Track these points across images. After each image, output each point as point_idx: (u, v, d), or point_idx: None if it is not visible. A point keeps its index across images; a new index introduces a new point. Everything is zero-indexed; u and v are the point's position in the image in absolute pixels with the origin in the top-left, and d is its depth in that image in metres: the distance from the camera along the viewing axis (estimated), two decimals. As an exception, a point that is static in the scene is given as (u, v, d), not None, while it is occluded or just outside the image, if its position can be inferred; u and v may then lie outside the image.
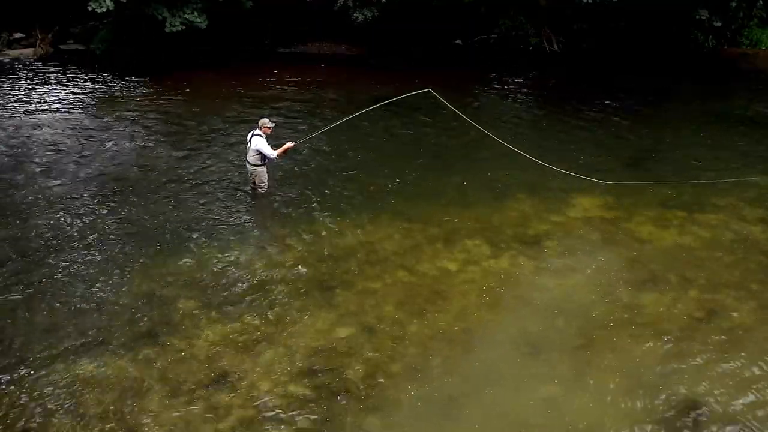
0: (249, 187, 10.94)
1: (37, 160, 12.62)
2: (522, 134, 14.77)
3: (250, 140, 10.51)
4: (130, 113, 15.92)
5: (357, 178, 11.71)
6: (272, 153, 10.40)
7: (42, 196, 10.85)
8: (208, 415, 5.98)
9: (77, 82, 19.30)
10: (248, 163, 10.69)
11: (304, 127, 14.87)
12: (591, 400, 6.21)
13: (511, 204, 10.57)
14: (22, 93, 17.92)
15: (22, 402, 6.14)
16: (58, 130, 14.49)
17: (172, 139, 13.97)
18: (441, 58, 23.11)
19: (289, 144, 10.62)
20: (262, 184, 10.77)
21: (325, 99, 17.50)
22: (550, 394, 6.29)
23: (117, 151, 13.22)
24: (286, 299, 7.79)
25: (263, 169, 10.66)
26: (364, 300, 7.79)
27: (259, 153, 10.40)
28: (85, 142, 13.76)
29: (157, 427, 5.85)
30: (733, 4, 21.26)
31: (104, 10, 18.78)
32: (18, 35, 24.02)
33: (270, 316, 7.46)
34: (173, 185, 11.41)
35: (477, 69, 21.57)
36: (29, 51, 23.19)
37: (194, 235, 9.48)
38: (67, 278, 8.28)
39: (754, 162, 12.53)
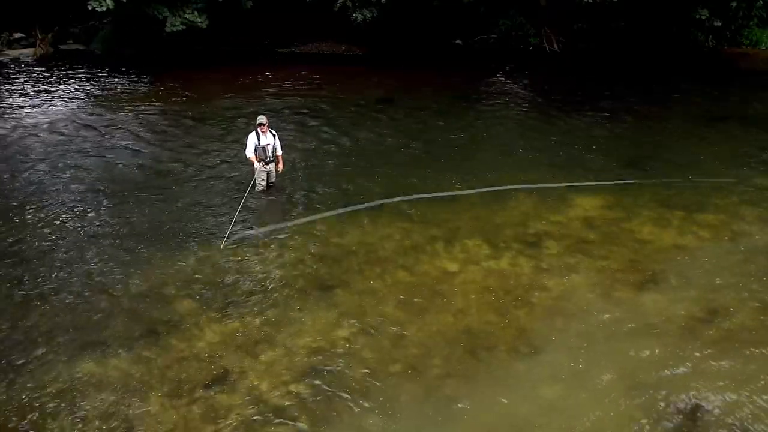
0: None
1: (37, 159, 12.63)
2: (521, 134, 14.78)
3: None
4: (131, 113, 15.94)
5: (357, 177, 11.71)
6: (246, 151, 10.74)
7: (42, 195, 10.87)
8: (208, 415, 5.97)
9: (77, 81, 19.32)
10: None
11: (303, 127, 14.89)
12: (591, 400, 6.20)
13: (511, 204, 10.57)
14: (22, 93, 17.93)
15: (22, 402, 6.14)
16: (58, 130, 14.51)
17: (171, 139, 13.98)
18: (441, 58, 23.12)
19: (256, 164, 10.73)
20: (258, 181, 10.82)
21: (325, 99, 17.50)
22: (550, 394, 6.29)
23: (117, 150, 13.24)
24: (286, 299, 7.79)
25: (257, 165, 10.73)
26: (364, 300, 7.79)
27: (255, 150, 10.66)
28: (85, 141, 13.78)
29: (157, 427, 5.85)
30: (733, 4, 21.28)
31: (104, 9, 18.82)
32: (18, 35, 24.06)
33: (270, 316, 7.46)
34: (173, 184, 11.42)
35: (477, 69, 21.58)
36: (29, 51, 23.23)
37: (194, 235, 9.49)
38: (67, 277, 8.28)
39: (754, 162, 12.53)
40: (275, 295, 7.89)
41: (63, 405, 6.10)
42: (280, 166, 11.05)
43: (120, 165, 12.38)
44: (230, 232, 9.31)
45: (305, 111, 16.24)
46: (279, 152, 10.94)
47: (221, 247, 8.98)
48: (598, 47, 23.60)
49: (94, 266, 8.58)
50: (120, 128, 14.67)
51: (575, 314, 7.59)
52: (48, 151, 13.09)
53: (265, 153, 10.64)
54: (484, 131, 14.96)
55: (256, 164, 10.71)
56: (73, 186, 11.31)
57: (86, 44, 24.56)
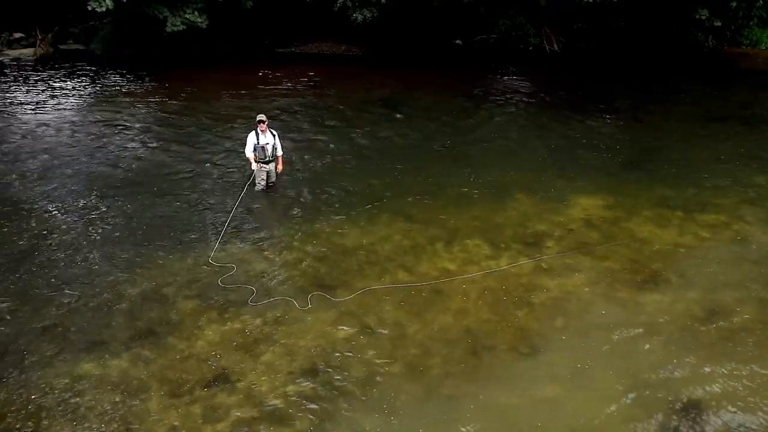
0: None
1: (37, 159, 12.62)
2: (522, 135, 14.78)
3: None
4: (130, 113, 15.93)
5: (357, 178, 11.71)
6: (245, 150, 10.76)
7: (41, 195, 10.86)
8: (208, 415, 5.97)
9: (77, 81, 19.31)
10: None
11: (303, 127, 14.89)
12: (591, 400, 6.20)
13: (511, 204, 10.58)
14: (22, 93, 17.93)
15: (22, 402, 6.14)
16: (58, 130, 14.50)
17: (171, 139, 13.97)
18: (441, 58, 23.12)
19: (254, 165, 10.75)
20: (257, 180, 10.83)
21: (325, 99, 17.50)
22: (550, 394, 6.29)
23: (117, 150, 13.23)
24: (286, 299, 7.79)
25: (255, 166, 10.75)
26: (364, 300, 7.79)
27: (254, 149, 10.68)
28: (85, 141, 13.77)
29: (157, 427, 5.85)
30: (733, 4, 21.29)
31: (104, 9, 18.80)
32: (18, 35, 24.06)
33: (270, 316, 7.46)
34: (173, 184, 11.41)
35: (477, 69, 21.58)
36: (29, 51, 23.22)
37: (194, 234, 9.49)
38: (66, 277, 8.28)
39: (754, 162, 12.53)
40: (275, 295, 7.89)
41: (63, 405, 6.10)
42: (280, 166, 11.03)
43: (120, 165, 12.37)
44: (224, 232, 9.33)
45: (305, 111, 16.23)
46: (279, 152, 10.92)
47: (215, 247, 8.98)
48: (598, 47, 23.60)
49: (94, 266, 8.57)
50: (120, 128, 14.66)
51: (575, 314, 7.59)
52: (47, 151, 13.08)
53: (265, 153, 10.64)
54: (484, 131, 14.95)
55: (254, 165, 10.72)
56: (72, 186, 11.30)
57: (86, 44, 24.56)
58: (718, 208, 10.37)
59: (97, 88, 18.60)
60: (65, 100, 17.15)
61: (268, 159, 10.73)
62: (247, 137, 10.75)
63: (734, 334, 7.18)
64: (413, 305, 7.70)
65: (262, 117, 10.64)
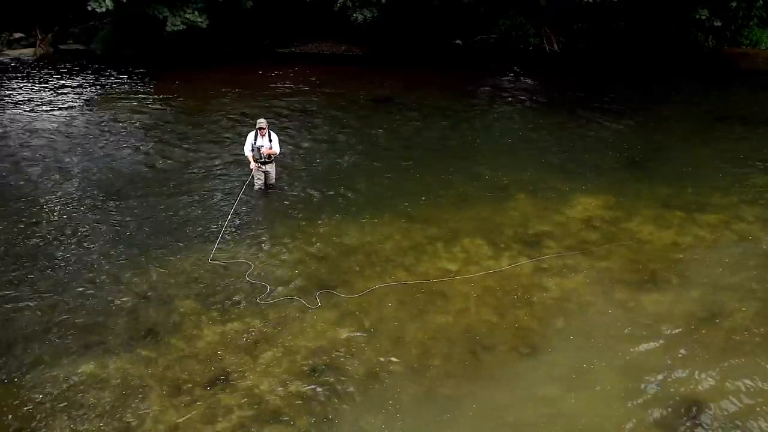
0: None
1: (36, 159, 12.63)
2: (521, 134, 14.78)
3: None
4: (130, 112, 15.93)
5: (357, 178, 11.71)
6: (244, 147, 10.83)
7: (42, 195, 10.86)
8: (208, 415, 5.97)
9: (77, 81, 19.32)
10: None
11: (303, 128, 14.88)
12: (591, 400, 6.20)
13: (511, 204, 10.57)
14: (22, 93, 17.93)
15: (22, 402, 6.14)
16: (58, 130, 14.50)
17: (171, 139, 13.98)
18: (441, 58, 23.11)
19: (252, 164, 10.74)
20: (255, 180, 10.85)
21: (325, 99, 17.50)
22: (549, 394, 6.29)
23: (117, 150, 13.24)
24: (286, 299, 7.79)
25: (254, 165, 10.74)
26: (364, 300, 7.79)
27: (252, 149, 10.69)
28: (85, 141, 13.78)
29: (157, 427, 5.85)
30: (733, 4, 21.29)
31: (104, 9, 18.81)
32: (18, 35, 24.07)
33: (270, 316, 7.46)
34: (173, 184, 11.41)
35: (477, 69, 21.58)
36: (29, 51, 23.23)
37: (194, 234, 9.49)
38: (66, 277, 8.28)
39: (754, 162, 12.52)
40: (275, 294, 7.89)
41: (63, 405, 6.10)
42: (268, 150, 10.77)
43: (119, 165, 12.37)
44: (223, 232, 9.33)
45: (305, 111, 16.23)
46: (276, 148, 10.78)
47: (214, 246, 8.98)
48: (598, 47, 23.59)
49: (94, 266, 8.57)
50: (119, 128, 14.67)
51: (575, 314, 7.59)
52: (47, 151, 13.09)
53: (260, 153, 10.64)
54: (485, 131, 14.96)
55: (252, 164, 10.72)
56: (72, 186, 11.30)
57: (86, 44, 24.58)
58: (718, 208, 10.36)
59: (97, 89, 18.59)
60: (65, 101, 17.14)
61: (264, 159, 10.72)
62: (247, 136, 10.76)
63: (735, 335, 7.17)
64: (414, 305, 7.70)
65: (262, 124, 10.60)
